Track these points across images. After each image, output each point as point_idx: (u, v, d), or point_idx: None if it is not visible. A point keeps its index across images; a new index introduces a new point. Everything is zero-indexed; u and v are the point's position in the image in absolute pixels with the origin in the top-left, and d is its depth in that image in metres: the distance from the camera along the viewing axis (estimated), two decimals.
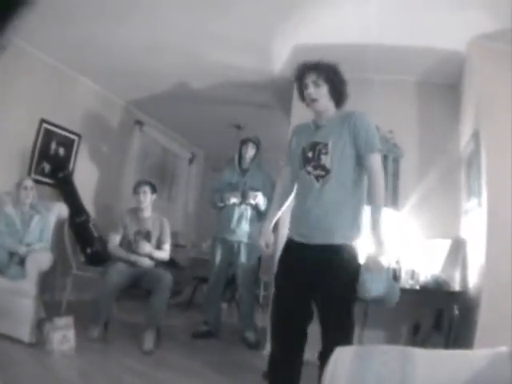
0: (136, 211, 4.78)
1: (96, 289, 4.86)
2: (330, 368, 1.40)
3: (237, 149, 5.24)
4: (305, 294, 2.59)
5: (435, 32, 3.93)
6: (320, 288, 2.52)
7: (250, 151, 5.08)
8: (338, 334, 2.48)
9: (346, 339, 2.41)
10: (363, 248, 2.60)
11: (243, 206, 4.95)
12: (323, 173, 2.58)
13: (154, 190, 4.82)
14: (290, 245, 2.72)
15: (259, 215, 5.01)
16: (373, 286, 2.39)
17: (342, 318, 2.52)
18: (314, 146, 2.64)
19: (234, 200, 4.93)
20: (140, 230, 4.68)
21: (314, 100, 2.65)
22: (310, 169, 2.64)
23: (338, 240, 2.51)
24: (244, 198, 4.91)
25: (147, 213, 4.76)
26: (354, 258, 2.54)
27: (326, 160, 2.58)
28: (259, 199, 4.88)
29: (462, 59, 4.24)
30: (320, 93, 2.64)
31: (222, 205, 5.05)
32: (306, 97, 2.71)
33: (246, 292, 4.98)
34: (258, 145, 5.13)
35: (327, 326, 2.55)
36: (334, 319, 2.53)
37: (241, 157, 5.16)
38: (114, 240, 4.64)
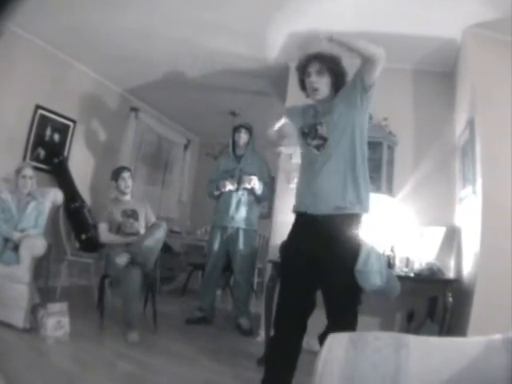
0: (118, 198, 4.85)
1: (89, 275, 4.85)
2: (323, 354, 1.40)
3: (230, 136, 5.25)
4: (312, 276, 2.56)
5: (431, 20, 3.91)
6: (326, 267, 2.49)
7: (244, 137, 5.10)
8: (342, 318, 2.49)
9: (349, 325, 2.40)
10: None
11: (240, 192, 4.96)
12: (321, 141, 2.62)
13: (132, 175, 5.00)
14: (297, 220, 2.72)
15: (256, 200, 5.04)
16: (371, 278, 2.39)
17: (346, 299, 2.52)
18: (312, 127, 2.70)
19: (229, 187, 4.93)
20: (126, 210, 4.72)
21: (315, 89, 2.65)
22: (309, 141, 2.68)
23: (341, 209, 2.50)
24: (240, 183, 4.92)
25: (129, 196, 4.86)
26: (355, 232, 2.50)
27: (322, 130, 2.63)
28: (254, 183, 4.88)
29: (458, 47, 4.23)
30: (322, 82, 2.65)
31: (217, 193, 5.06)
32: (307, 85, 2.71)
33: (243, 279, 5.00)
34: (250, 130, 5.15)
35: (331, 308, 2.55)
36: (339, 298, 2.53)
37: (234, 144, 5.17)
38: (104, 229, 4.65)
